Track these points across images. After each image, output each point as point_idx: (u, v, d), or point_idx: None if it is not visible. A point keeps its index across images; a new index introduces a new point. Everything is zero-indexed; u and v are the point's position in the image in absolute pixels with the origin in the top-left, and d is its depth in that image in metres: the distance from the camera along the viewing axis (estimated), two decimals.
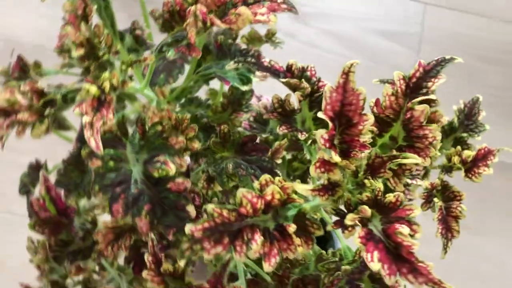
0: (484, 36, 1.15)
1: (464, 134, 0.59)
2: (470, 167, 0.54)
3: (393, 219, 0.37)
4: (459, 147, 0.55)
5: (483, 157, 0.54)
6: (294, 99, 0.47)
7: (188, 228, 0.35)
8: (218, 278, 0.40)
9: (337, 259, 0.46)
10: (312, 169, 0.37)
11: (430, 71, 0.40)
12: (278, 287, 0.46)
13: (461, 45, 1.13)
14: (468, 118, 0.61)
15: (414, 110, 0.38)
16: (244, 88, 0.54)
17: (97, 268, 0.55)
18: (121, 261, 0.55)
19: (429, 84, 0.39)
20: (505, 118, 1.07)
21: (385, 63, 1.09)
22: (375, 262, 0.34)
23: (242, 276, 0.49)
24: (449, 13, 1.18)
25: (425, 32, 1.15)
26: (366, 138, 0.37)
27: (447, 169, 0.54)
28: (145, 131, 0.40)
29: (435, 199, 0.52)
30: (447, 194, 0.54)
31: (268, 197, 0.36)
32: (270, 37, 0.60)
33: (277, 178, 0.38)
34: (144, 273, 0.46)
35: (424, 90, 0.39)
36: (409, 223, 0.36)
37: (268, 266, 0.37)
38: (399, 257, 0.35)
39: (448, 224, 0.53)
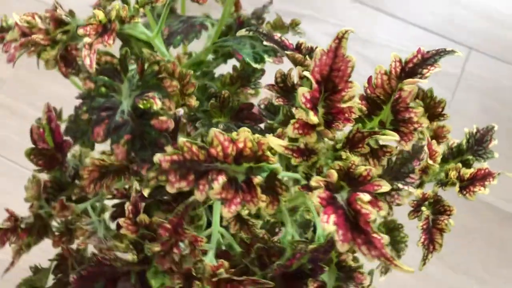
0: None
1: (470, 157, 0.57)
2: (467, 185, 0.52)
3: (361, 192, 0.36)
4: (459, 164, 0.54)
5: (482, 177, 0.52)
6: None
7: (157, 157, 0.36)
8: (180, 219, 0.40)
9: (308, 240, 0.46)
10: (289, 129, 0.38)
11: (428, 59, 0.39)
12: (244, 255, 0.46)
13: (496, 94, 1.11)
14: (479, 144, 0.60)
15: (403, 91, 0.38)
16: (256, 65, 0.55)
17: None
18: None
19: (424, 71, 0.39)
20: None
21: None
22: (329, 224, 0.34)
23: (215, 245, 0.49)
24: (491, 61, 1.16)
25: (464, 75, 1.14)
26: (349, 105, 0.37)
27: (443, 183, 0.53)
28: (143, 70, 0.42)
29: (423, 208, 0.51)
30: (438, 207, 0.52)
31: (240, 144, 0.37)
32: (293, 26, 0.61)
33: (256, 135, 0.39)
34: (121, 220, 0.47)
35: (418, 77, 0.39)
36: (376, 198, 0.36)
37: (227, 212, 0.37)
38: (357, 227, 0.35)
39: (432, 236, 0.51)
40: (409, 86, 0.37)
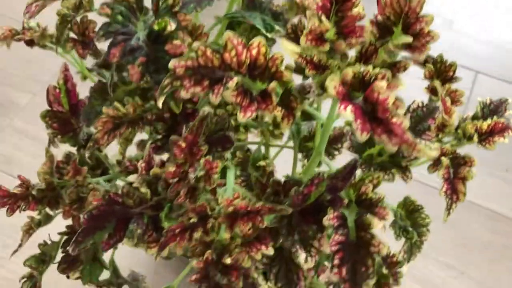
0: None
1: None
2: (486, 137, 0.51)
3: None
4: (475, 121, 0.53)
5: (500, 130, 0.52)
6: None
7: (172, 63, 0.36)
8: (195, 136, 0.39)
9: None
10: (302, 40, 0.38)
11: None
12: (259, 196, 0.44)
13: None
14: (493, 114, 0.59)
15: (411, 2, 0.38)
16: (267, 34, 0.56)
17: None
18: None
19: None
20: None
21: None
22: (347, 112, 0.33)
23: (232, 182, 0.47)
24: (498, 83, 1.18)
25: (472, 97, 1.14)
26: (358, 10, 0.37)
27: (460, 137, 0.52)
28: (158, 6, 0.43)
29: (443, 158, 0.49)
30: (457, 161, 0.51)
31: (254, 51, 0.37)
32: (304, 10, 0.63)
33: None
34: (133, 177, 0.46)
35: None
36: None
37: (242, 117, 0.36)
38: (375, 118, 0.34)
39: (455, 185, 0.50)
40: None
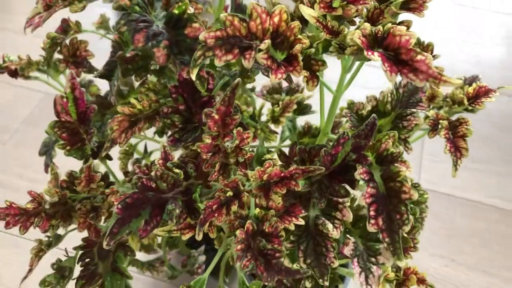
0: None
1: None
2: (473, 101, 0.56)
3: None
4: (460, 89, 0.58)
5: (485, 93, 0.56)
6: None
7: (202, 35, 0.39)
8: (227, 107, 0.41)
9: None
10: (316, 8, 0.41)
11: None
12: (285, 167, 0.46)
13: None
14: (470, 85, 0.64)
15: None
16: None
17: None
18: None
19: None
20: None
21: None
22: (374, 56, 0.36)
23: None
24: None
25: None
26: None
27: (451, 102, 0.56)
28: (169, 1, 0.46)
29: (441, 121, 0.53)
30: (453, 123, 0.55)
31: (276, 18, 0.40)
32: None
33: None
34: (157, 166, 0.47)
35: None
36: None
37: (274, 78, 0.39)
38: (400, 61, 0.37)
39: (456, 143, 0.53)
40: None
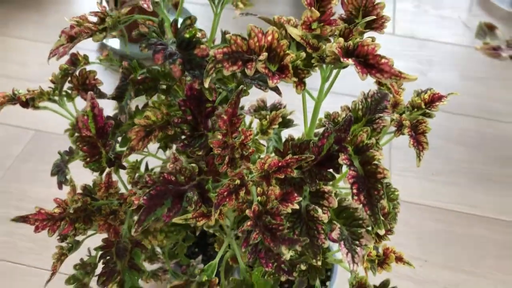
0: None
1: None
2: (429, 105, 0.67)
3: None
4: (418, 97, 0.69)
5: (438, 98, 0.68)
6: None
7: (213, 51, 0.48)
8: (234, 108, 0.50)
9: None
10: (299, 29, 0.52)
11: None
12: (277, 154, 0.55)
13: None
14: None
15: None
16: None
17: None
18: None
19: None
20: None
21: None
22: (348, 61, 0.47)
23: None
24: None
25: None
26: (334, 4, 0.52)
27: (411, 108, 0.67)
28: (177, 28, 0.56)
29: (404, 122, 0.64)
30: (414, 123, 0.66)
31: (269, 37, 0.50)
32: None
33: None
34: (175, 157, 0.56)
35: None
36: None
37: (271, 83, 0.49)
38: (368, 64, 0.48)
39: (418, 139, 0.64)
40: None
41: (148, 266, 0.82)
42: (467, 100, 1.44)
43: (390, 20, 1.67)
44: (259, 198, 0.53)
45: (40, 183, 1.16)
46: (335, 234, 0.59)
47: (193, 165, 0.52)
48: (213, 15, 0.65)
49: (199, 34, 0.53)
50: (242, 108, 0.77)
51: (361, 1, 0.56)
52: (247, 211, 0.50)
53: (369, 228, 0.63)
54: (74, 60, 0.75)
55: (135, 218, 0.65)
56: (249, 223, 0.50)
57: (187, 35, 0.53)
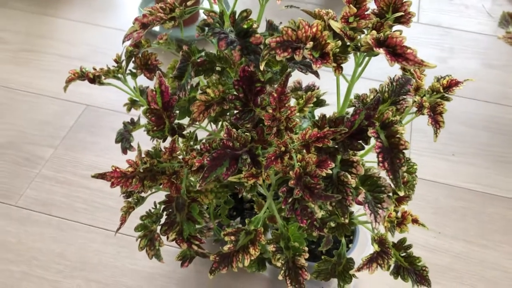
0: None
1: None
2: (448, 89, 0.77)
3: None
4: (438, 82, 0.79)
5: (456, 83, 0.77)
6: None
7: (268, 40, 0.59)
8: (282, 87, 0.61)
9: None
10: (339, 22, 0.62)
11: None
12: (316, 127, 0.66)
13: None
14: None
15: None
16: None
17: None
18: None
19: None
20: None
21: None
22: (380, 50, 0.57)
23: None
24: None
25: None
26: (367, 3, 0.62)
27: (431, 92, 0.77)
28: (235, 19, 0.67)
29: (424, 103, 0.74)
30: (432, 105, 0.76)
31: (314, 28, 0.61)
32: None
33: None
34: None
35: None
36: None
37: (315, 66, 0.59)
38: (396, 53, 0.58)
39: (436, 118, 0.74)
40: None
41: None
42: (490, 88, 1.52)
43: (414, 7, 1.75)
44: (299, 163, 0.64)
45: (90, 152, 1.29)
46: (361, 198, 0.70)
47: (247, 133, 0.63)
48: (259, 6, 0.75)
49: (254, 25, 0.64)
50: None
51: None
52: (290, 173, 0.62)
53: (390, 194, 0.74)
54: (138, 43, 0.87)
55: (192, 178, 0.77)
56: (292, 182, 0.61)
57: (245, 26, 0.63)
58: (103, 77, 0.87)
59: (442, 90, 0.77)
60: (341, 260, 0.79)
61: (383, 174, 0.69)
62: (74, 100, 1.40)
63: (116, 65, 0.87)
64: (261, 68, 0.59)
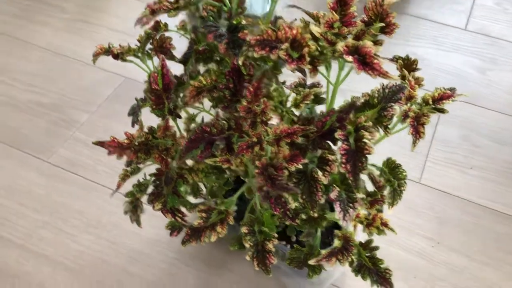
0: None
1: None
2: (437, 101, 0.78)
3: None
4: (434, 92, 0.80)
5: (448, 96, 0.78)
6: None
7: (248, 38, 0.64)
8: (258, 83, 0.66)
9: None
10: (322, 26, 0.66)
11: None
12: (291, 123, 0.70)
13: (470, 128, 1.39)
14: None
15: (384, 5, 0.67)
16: None
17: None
18: None
19: None
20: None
21: None
22: (349, 58, 0.60)
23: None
24: (467, 105, 1.47)
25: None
26: (353, 10, 0.65)
27: (421, 103, 0.79)
28: (231, 13, 0.72)
29: (409, 113, 0.76)
30: (419, 116, 0.78)
31: (294, 30, 0.64)
32: None
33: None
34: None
35: None
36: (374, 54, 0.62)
37: (289, 67, 0.63)
38: (365, 62, 0.61)
39: (417, 129, 0.76)
40: (388, 1, 0.66)
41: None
42: None
43: (465, 14, 1.71)
44: (265, 155, 0.69)
45: (120, 121, 1.39)
46: (333, 195, 0.74)
47: (224, 121, 0.69)
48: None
49: (243, 21, 0.68)
50: (283, 83, 0.92)
51: (379, 9, 0.68)
52: (256, 162, 0.66)
53: (364, 196, 0.77)
54: (157, 27, 0.94)
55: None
56: (257, 171, 0.66)
57: (234, 22, 0.68)
58: (125, 55, 0.95)
59: (431, 102, 0.78)
60: (313, 252, 0.84)
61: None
62: (115, 72, 1.51)
63: (139, 44, 0.95)
64: (240, 62, 0.64)
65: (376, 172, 0.80)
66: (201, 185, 0.96)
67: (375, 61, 0.60)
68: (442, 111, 0.80)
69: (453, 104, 1.42)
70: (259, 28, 0.63)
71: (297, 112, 0.89)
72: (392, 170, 0.88)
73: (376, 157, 0.74)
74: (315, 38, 0.67)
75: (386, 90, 0.82)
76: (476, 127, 1.41)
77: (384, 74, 0.59)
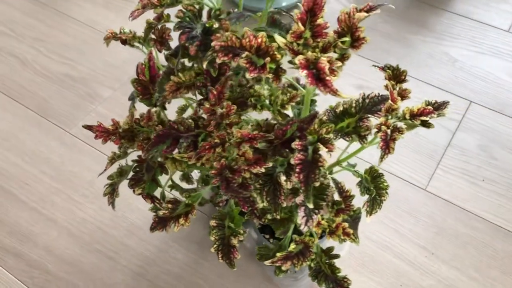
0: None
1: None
2: (415, 116, 0.77)
3: None
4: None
5: (428, 113, 0.77)
6: None
7: (213, 43, 0.66)
8: (222, 87, 0.68)
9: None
10: (289, 36, 0.66)
11: (373, 9, 0.68)
12: (257, 128, 0.72)
13: (491, 138, 1.34)
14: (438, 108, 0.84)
15: (355, 19, 0.66)
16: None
17: None
18: None
19: (371, 12, 0.67)
20: None
21: (420, 135, 1.33)
22: (303, 73, 0.61)
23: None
24: (488, 111, 1.41)
25: (463, 121, 1.38)
26: (321, 21, 0.65)
27: (400, 117, 0.78)
28: (210, 15, 0.73)
29: (383, 127, 0.75)
30: (395, 130, 0.77)
31: (259, 39, 0.66)
32: None
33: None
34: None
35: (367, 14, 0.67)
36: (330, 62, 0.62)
37: (249, 75, 0.65)
38: (319, 78, 0.61)
39: (388, 143, 0.75)
40: (358, 15, 0.66)
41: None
42: None
43: (510, 16, 1.62)
44: (233, 154, 0.71)
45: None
46: (298, 200, 0.76)
47: (190, 121, 0.72)
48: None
49: (216, 25, 0.70)
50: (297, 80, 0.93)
51: (349, 22, 0.67)
52: (214, 163, 0.69)
53: (329, 203, 0.78)
54: (160, 17, 0.97)
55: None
56: (213, 171, 0.69)
57: (207, 25, 0.70)
58: (131, 41, 1.00)
59: (408, 117, 0.77)
60: (281, 250, 0.86)
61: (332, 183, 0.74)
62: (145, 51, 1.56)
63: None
64: (204, 65, 0.67)
65: (332, 183, 0.80)
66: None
67: (327, 78, 0.60)
68: (428, 126, 0.78)
69: (478, 110, 1.39)
70: (224, 35, 0.65)
71: (287, 112, 0.91)
72: (374, 179, 0.88)
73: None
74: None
75: (367, 100, 0.82)
76: (498, 137, 1.36)
77: (335, 92, 0.60)
